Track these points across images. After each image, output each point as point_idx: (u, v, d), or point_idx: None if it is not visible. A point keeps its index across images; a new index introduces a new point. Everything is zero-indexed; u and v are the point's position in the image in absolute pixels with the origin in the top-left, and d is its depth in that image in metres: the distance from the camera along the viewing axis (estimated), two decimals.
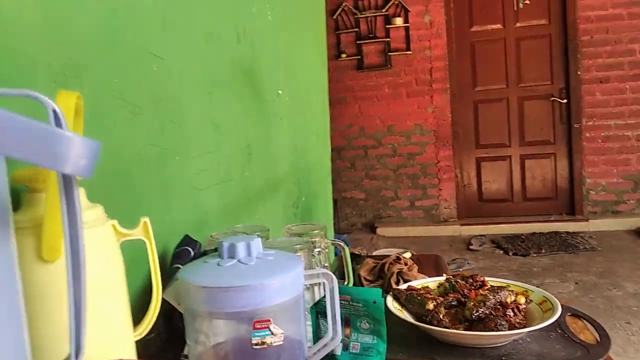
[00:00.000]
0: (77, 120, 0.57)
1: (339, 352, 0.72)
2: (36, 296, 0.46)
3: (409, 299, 0.87)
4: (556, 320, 0.84)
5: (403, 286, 0.94)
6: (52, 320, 0.47)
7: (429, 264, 1.96)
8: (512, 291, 0.88)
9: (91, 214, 0.51)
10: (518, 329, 0.80)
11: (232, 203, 1.19)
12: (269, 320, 0.57)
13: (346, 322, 0.74)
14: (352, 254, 2.06)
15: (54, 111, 0.33)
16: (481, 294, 0.81)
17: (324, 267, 0.98)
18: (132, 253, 0.70)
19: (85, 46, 0.69)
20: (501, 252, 4.36)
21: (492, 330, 0.77)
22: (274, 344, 0.57)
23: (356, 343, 0.73)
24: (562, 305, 0.93)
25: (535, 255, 4.18)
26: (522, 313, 0.84)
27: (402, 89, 5.07)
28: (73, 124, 0.54)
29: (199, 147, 1.04)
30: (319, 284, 0.81)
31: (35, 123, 0.26)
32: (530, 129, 4.85)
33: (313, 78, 2.12)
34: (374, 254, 3.26)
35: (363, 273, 1.68)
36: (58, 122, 0.33)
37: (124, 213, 0.78)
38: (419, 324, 0.80)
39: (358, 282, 1.67)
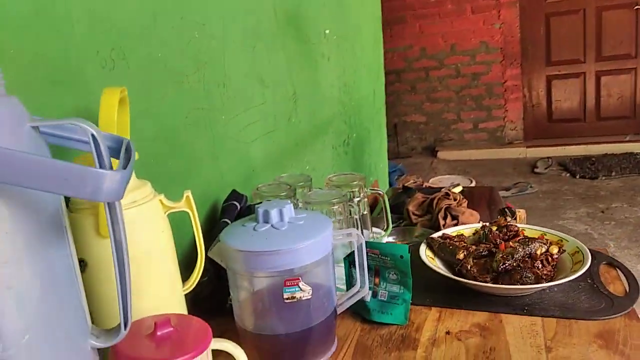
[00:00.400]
0: (123, 109, 0.64)
1: (368, 298, 0.80)
2: (96, 266, 0.56)
3: (441, 248, 0.92)
4: (588, 270, 0.86)
5: (438, 234, 0.99)
6: (110, 286, 0.57)
7: (483, 198, 1.97)
8: (545, 242, 0.90)
9: (140, 193, 0.60)
10: (545, 280, 0.83)
11: (279, 152, 1.26)
12: (299, 279, 0.65)
13: (376, 272, 0.81)
14: (403, 187, 2.11)
15: (92, 135, 0.39)
16: (510, 246, 0.85)
17: (363, 215, 1.04)
18: (185, 215, 0.79)
19: (129, 30, 0.75)
20: (568, 175, 4.22)
21: (517, 282, 0.81)
22: (303, 298, 0.66)
23: (384, 291, 0.80)
24: (598, 253, 0.95)
25: (604, 178, 4.02)
26: (553, 264, 0.87)
27: (466, 4, 4.76)
28: (117, 115, 0.61)
29: (245, 103, 1.09)
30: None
31: (74, 166, 0.33)
32: (608, 42, 4.46)
33: (363, 6, 2.07)
34: (430, 181, 3.29)
35: (412, 208, 1.73)
36: (97, 145, 0.40)
37: (176, 175, 0.87)
38: (444, 272, 0.85)
39: (407, 216, 1.73)
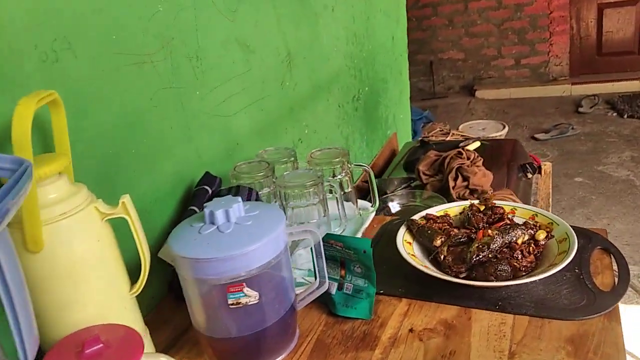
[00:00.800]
0: (57, 112, 0.62)
1: (333, 291, 0.78)
2: (27, 282, 0.55)
3: (420, 232, 0.88)
4: (578, 256, 0.80)
5: (421, 214, 0.94)
6: (42, 299, 0.57)
7: (504, 154, 1.86)
8: (532, 226, 0.84)
9: (70, 203, 0.58)
10: (525, 271, 0.78)
11: (269, 120, 1.21)
12: (242, 285, 0.63)
13: (342, 264, 0.78)
14: (421, 142, 2.03)
15: None
16: (488, 235, 0.79)
17: (346, 193, 1.00)
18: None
19: (74, 15, 0.70)
20: (614, 114, 3.95)
21: (491, 276, 0.76)
22: (249, 303, 0.64)
23: (350, 284, 0.77)
24: (595, 236, 0.88)
25: None
26: (537, 252, 0.81)
27: None
28: (53, 120, 0.59)
29: (224, 75, 1.04)
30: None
31: None
32: None
33: None
34: (460, 127, 3.15)
35: (422, 168, 1.67)
36: None
37: (144, 160, 0.85)
38: (413, 262, 0.80)
39: (417, 176, 1.66)
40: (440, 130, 2.78)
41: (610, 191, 2.89)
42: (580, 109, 4.13)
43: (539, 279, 0.76)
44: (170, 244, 0.65)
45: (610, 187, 2.93)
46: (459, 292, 0.78)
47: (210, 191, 0.88)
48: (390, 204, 1.46)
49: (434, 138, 2.70)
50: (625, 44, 4.42)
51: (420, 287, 0.80)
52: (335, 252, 0.77)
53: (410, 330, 0.73)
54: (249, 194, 0.85)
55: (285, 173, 0.92)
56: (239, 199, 0.67)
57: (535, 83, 4.71)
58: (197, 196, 0.87)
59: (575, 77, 4.59)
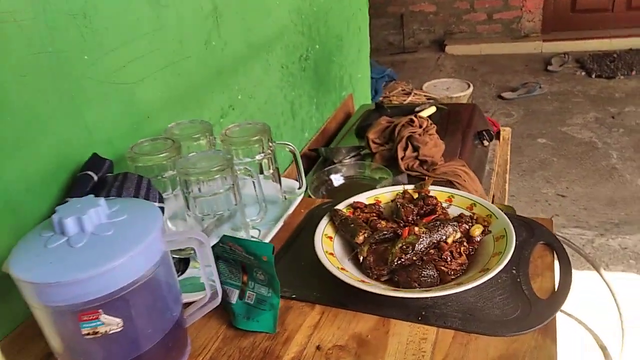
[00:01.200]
0: None
1: (234, 300, 0.67)
2: None
3: (343, 225, 0.76)
4: (517, 254, 0.71)
5: (348, 202, 0.82)
6: None
7: (461, 120, 1.75)
8: (465, 221, 0.74)
9: None
10: (453, 276, 0.68)
11: (188, 86, 1.06)
12: (98, 312, 0.51)
13: (243, 269, 0.67)
14: (377, 105, 1.90)
15: None
16: (414, 234, 0.68)
17: (269, 175, 0.87)
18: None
19: None
20: (583, 73, 3.87)
21: (415, 282, 0.66)
22: (110, 332, 0.52)
23: (252, 292, 0.66)
24: (539, 228, 0.78)
25: (622, 77, 3.68)
26: (470, 249, 0.71)
27: None
28: None
29: (124, 34, 0.88)
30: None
31: None
32: None
33: None
34: (424, 86, 3.02)
35: (372, 136, 1.55)
36: None
37: (10, 144, 0.70)
38: (329, 265, 0.69)
39: (367, 145, 1.55)
40: (402, 90, 2.64)
41: (572, 153, 2.84)
42: (550, 67, 4.03)
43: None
44: (8, 261, 0.52)
45: (573, 149, 2.88)
46: (379, 299, 0.67)
47: (95, 177, 0.75)
48: (333, 177, 1.34)
49: (394, 98, 2.57)
50: (599, 0, 4.29)
51: (335, 293, 0.69)
52: (236, 255, 0.66)
53: (318, 347, 0.62)
54: (138, 184, 0.71)
55: (188, 155, 0.78)
56: (101, 201, 0.54)
57: (506, 39, 4.58)
58: (77, 184, 0.73)
59: (547, 33, 4.47)
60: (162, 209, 0.73)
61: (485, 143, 1.67)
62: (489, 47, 4.56)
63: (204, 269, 0.59)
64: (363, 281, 0.67)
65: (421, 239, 0.67)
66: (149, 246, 0.53)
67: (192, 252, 0.76)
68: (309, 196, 1.23)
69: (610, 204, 2.38)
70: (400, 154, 1.43)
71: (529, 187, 2.58)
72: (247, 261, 0.65)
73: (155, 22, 0.96)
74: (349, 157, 1.53)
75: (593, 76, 3.76)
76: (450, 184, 1.35)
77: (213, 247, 0.66)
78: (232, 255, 0.66)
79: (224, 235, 0.64)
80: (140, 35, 0.92)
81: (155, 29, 0.96)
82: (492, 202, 1.99)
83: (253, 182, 0.84)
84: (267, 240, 0.84)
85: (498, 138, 1.90)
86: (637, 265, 2.00)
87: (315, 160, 1.59)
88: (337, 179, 1.34)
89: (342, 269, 0.69)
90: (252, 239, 0.65)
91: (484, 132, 1.67)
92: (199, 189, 0.75)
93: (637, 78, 3.66)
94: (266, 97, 1.39)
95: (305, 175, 1.56)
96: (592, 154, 2.82)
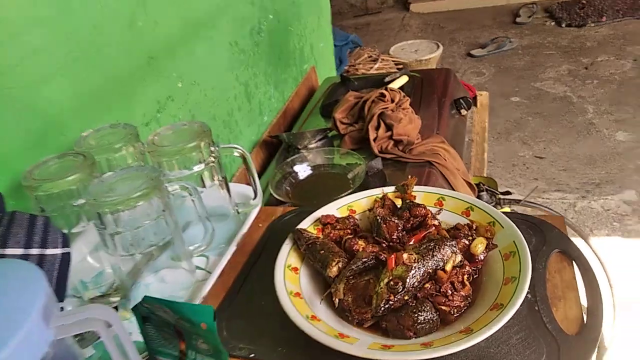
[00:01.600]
0: None
1: None
2: None
3: (310, 251, 0.60)
4: (532, 269, 0.56)
5: (314, 216, 0.65)
6: None
7: (436, 88, 1.58)
8: (464, 235, 0.58)
9: None
10: (456, 312, 0.53)
11: (112, 80, 0.86)
12: None
13: (179, 334, 0.50)
14: (342, 77, 1.71)
15: None
16: (403, 263, 0.52)
17: (218, 182, 0.70)
18: None
19: None
20: (553, 23, 3.74)
21: (409, 331, 0.50)
22: None
23: None
24: (550, 231, 0.64)
25: (593, 25, 3.56)
26: (471, 277, 0.56)
27: None
28: None
29: (10, 22, 0.68)
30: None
31: None
32: None
33: None
34: (392, 50, 2.83)
35: (339, 115, 1.37)
36: None
37: None
38: (294, 314, 0.52)
39: (333, 125, 1.37)
40: (369, 57, 2.45)
41: (547, 110, 2.73)
42: (518, 20, 3.89)
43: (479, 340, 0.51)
44: None
45: (547, 106, 2.77)
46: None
47: None
48: (298, 168, 1.17)
49: (361, 67, 2.38)
50: None
51: (305, 348, 0.53)
52: (168, 317, 0.49)
53: None
54: (31, 227, 0.53)
55: (102, 176, 0.60)
56: None
57: None
58: None
59: None
60: (68, 254, 0.55)
61: (463, 112, 1.52)
62: (454, 3, 4.38)
63: (114, 357, 0.42)
64: (341, 335, 0.51)
65: (413, 271, 0.51)
66: (27, 338, 0.36)
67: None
68: (271, 195, 1.06)
69: (590, 162, 2.29)
70: (372, 134, 1.26)
71: (506, 150, 2.46)
72: (182, 327, 0.48)
73: (56, 5, 0.75)
74: (314, 141, 1.35)
75: (563, 25, 3.64)
76: (429, 164, 1.20)
77: (135, 307, 0.50)
78: (162, 318, 0.49)
79: (145, 297, 0.47)
80: (36, 21, 0.72)
81: (59, 12, 0.75)
82: (472, 175, 1.86)
83: (193, 201, 0.66)
84: (218, 271, 0.67)
85: (475, 104, 1.75)
86: (621, 227, 1.91)
87: (277, 148, 1.41)
88: (302, 170, 1.17)
89: (313, 317, 0.53)
90: (182, 302, 0.48)
91: (461, 100, 1.51)
92: (116, 222, 0.57)
93: (607, 25, 3.55)
94: (214, 81, 1.19)
95: (266, 166, 1.39)
96: (567, 110, 2.71)
